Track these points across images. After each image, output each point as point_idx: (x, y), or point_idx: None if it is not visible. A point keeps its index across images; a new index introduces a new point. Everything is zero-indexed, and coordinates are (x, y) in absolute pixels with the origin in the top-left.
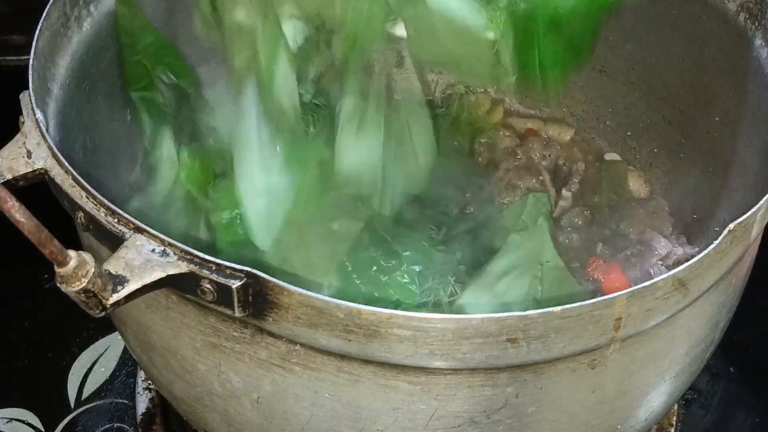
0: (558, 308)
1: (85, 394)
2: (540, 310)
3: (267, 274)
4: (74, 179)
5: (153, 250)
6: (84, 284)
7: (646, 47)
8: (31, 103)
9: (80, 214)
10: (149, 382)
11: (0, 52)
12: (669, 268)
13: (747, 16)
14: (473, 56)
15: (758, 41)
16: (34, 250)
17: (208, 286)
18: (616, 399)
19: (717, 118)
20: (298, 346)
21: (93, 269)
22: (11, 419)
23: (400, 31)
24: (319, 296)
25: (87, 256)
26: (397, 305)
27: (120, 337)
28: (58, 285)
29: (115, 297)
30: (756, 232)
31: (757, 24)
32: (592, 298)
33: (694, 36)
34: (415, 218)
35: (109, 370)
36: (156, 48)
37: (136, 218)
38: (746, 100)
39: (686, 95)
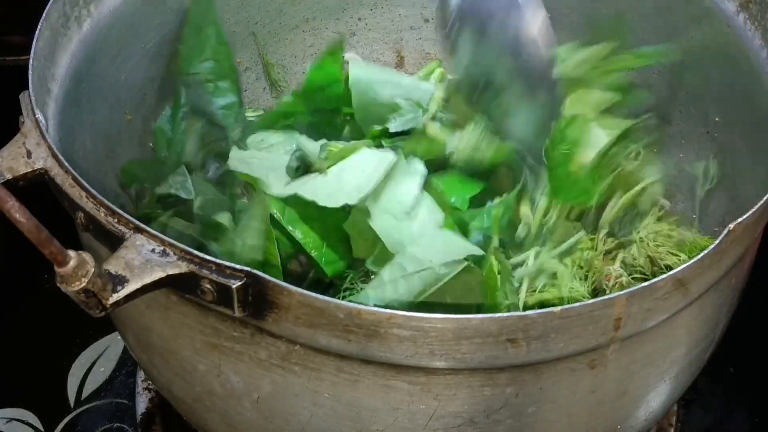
0: (558, 308)
1: (85, 394)
2: (540, 311)
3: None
4: (74, 179)
5: (153, 250)
6: (84, 284)
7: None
8: (31, 103)
9: (80, 214)
10: (149, 382)
11: (0, 52)
12: None
13: (747, 16)
14: None
15: (758, 41)
16: (34, 250)
17: (208, 286)
18: (616, 399)
19: (717, 119)
20: (297, 346)
21: (93, 269)
22: (11, 419)
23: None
24: (319, 296)
25: (87, 256)
26: None
27: (120, 337)
28: (58, 285)
29: (115, 297)
30: (756, 232)
31: (757, 24)
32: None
33: (694, 37)
34: None
35: (109, 370)
36: (214, 42)
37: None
38: (746, 100)
39: (686, 95)
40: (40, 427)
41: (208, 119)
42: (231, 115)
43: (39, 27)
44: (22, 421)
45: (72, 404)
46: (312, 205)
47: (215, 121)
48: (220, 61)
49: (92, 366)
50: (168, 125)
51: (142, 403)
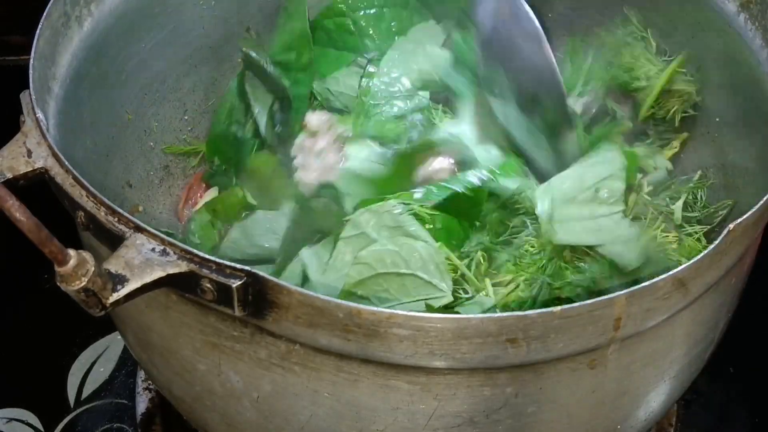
0: (557, 308)
1: (85, 394)
2: (540, 310)
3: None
4: (74, 178)
5: (153, 250)
6: (84, 283)
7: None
8: (32, 102)
9: (80, 214)
10: (149, 382)
11: (0, 52)
12: None
13: (747, 16)
14: None
15: (758, 41)
16: (34, 250)
17: (208, 285)
18: (616, 399)
19: (717, 119)
20: (297, 346)
21: (93, 268)
22: (11, 419)
23: None
24: (319, 296)
25: (87, 255)
26: None
27: (120, 337)
28: (58, 284)
29: (115, 296)
30: (755, 232)
31: (757, 24)
32: None
33: (695, 37)
34: None
35: (109, 370)
36: (298, 35)
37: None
38: (746, 100)
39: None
40: (40, 427)
41: (281, 103)
42: (302, 107)
43: (40, 26)
44: (22, 421)
45: (72, 404)
46: None
47: (285, 107)
48: (301, 54)
49: (92, 366)
50: (236, 99)
51: (142, 403)
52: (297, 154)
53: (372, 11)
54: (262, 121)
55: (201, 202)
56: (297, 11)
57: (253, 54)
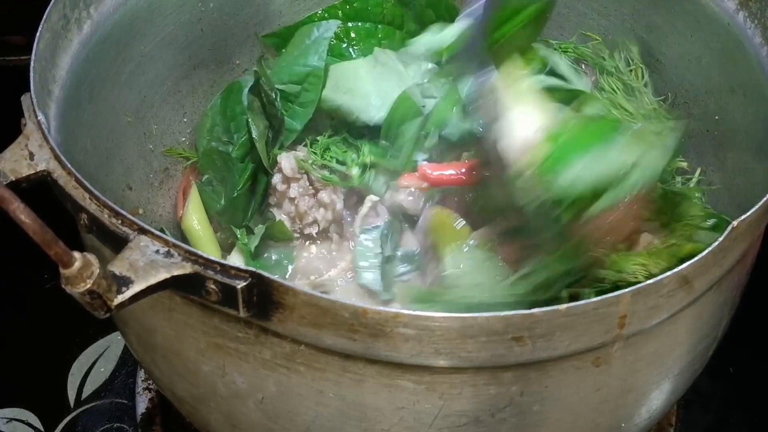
0: (563, 306)
1: (85, 394)
2: (545, 308)
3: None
4: (77, 180)
5: (157, 251)
6: (89, 285)
7: (646, 47)
8: (33, 105)
9: (83, 216)
10: (149, 382)
11: (0, 52)
12: None
13: (747, 15)
14: None
15: (758, 40)
16: (35, 251)
17: (213, 286)
18: (620, 397)
19: (717, 117)
20: (302, 346)
21: (98, 270)
22: (11, 419)
23: None
24: (324, 296)
25: (92, 257)
26: None
27: (120, 337)
28: (63, 286)
29: (120, 298)
30: (758, 230)
31: (756, 23)
32: None
33: (694, 35)
34: None
35: (109, 370)
36: (311, 73)
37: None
38: (746, 98)
39: (686, 94)
40: (40, 427)
41: (274, 130)
42: (290, 138)
43: (39, 29)
44: (22, 421)
45: (72, 404)
46: None
47: (276, 135)
48: (307, 92)
49: (92, 366)
50: (218, 116)
51: (142, 403)
52: (272, 194)
53: (366, 25)
54: (261, 143)
55: (187, 204)
56: (319, 48)
57: (265, 82)
